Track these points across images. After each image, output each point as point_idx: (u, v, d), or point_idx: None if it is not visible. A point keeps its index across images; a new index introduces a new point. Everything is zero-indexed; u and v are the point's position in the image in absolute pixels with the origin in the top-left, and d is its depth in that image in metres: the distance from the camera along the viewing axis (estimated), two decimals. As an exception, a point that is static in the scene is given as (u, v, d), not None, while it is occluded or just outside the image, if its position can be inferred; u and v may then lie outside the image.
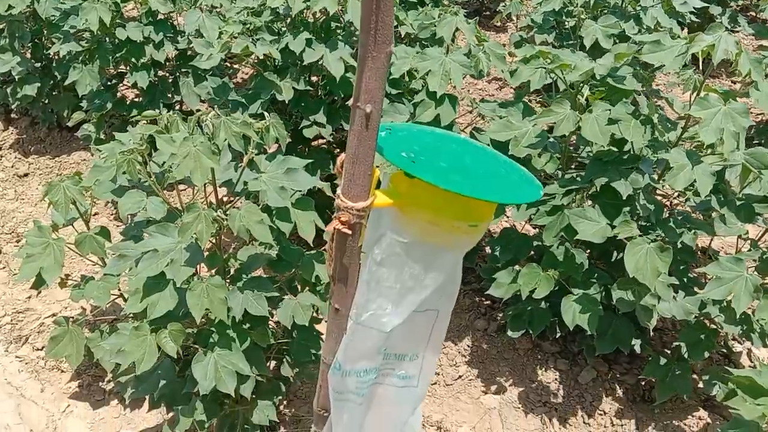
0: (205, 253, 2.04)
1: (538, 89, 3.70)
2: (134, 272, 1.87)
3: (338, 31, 2.80)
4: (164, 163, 2.00)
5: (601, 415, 2.55)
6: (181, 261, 1.82)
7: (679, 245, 2.21)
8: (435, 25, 2.57)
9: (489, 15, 5.60)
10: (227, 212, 1.82)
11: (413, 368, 0.99)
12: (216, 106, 2.66)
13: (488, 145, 2.47)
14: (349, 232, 0.80)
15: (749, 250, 2.18)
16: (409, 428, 1.03)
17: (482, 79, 4.70)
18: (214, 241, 2.07)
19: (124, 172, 1.89)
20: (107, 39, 3.22)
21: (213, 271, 2.09)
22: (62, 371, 2.70)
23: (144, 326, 1.90)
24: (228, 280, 2.07)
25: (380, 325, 0.88)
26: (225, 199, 2.12)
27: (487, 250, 3.00)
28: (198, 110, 3.22)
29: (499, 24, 5.46)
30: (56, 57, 3.52)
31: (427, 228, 0.84)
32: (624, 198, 2.06)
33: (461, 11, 2.77)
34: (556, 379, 2.67)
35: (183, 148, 1.74)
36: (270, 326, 2.23)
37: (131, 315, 2.15)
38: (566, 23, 3.59)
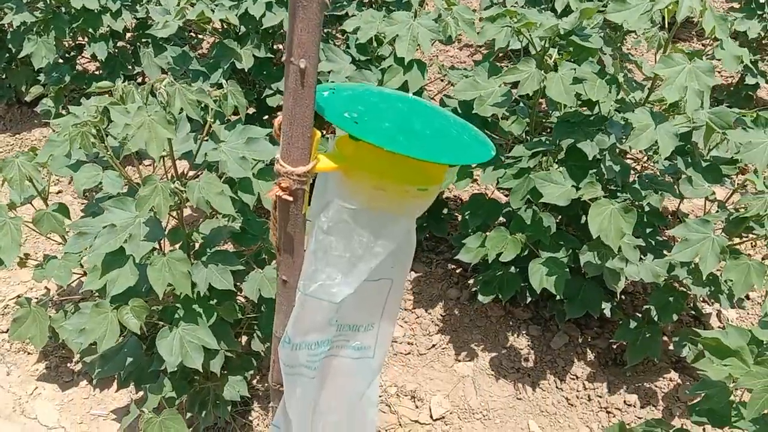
0: (169, 228, 1.99)
1: (510, 56, 3.65)
2: (92, 248, 1.81)
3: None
4: (121, 135, 1.93)
5: (573, 379, 2.57)
6: (140, 236, 1.76)
7: (647, 207, 2.20)
8: (401, -12, 2.50)
9: (460, -20, 5.49)
10: (186, 184, 1.77)
11: (368, 339, 0.96)
12: (172, 74, 2.58)
13: (456, 108, 2.45)
14: (291, 198, 0.75)
15: (717, 211, 2.18)
16: (366, 400, 1.01)
17: (453, 46, 4.63)
18: (176, 215, 2.01)
19: (79, 147, 1.82)
20: (62, 9, 3.09)
21: (177, 246, 2.04)
22: (29, 353, 2.64)
23: (105, 303, 1.85)
24: (192, 255, 2.02)
25: (330, 295, 0.85)
26: (188, 172, 2.06)
27: (460, 219, 2.97)
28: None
29: (470, -11, 5.36)
30: (10, 28, 3.38)
31: (375, 193, 0.80)
32: (590, 159, 2.03)
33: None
34: (528, 345, 2.67)
35: (137, 118, 1.67)
36: (239, 301, 2.20)
37: (96, 293, 2.10)
38: (536, -14, 3.52)
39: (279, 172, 0.74)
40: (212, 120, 1.83)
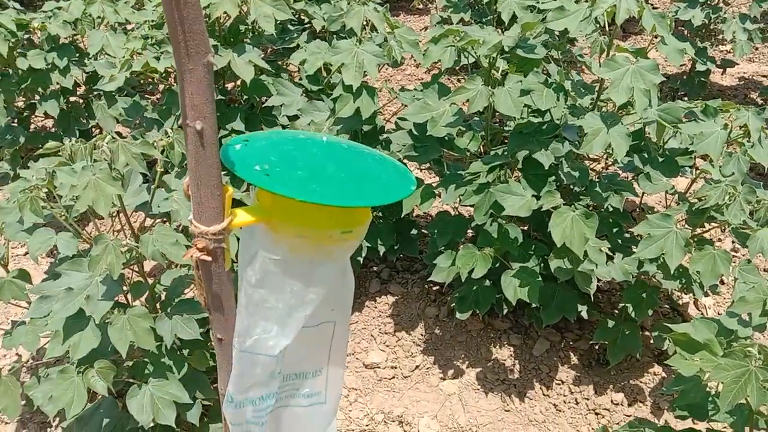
0: (132, 282, 1.97)
1: (466, 69, 3.68)
2: (52, 314, 1.78)
3: (247, 33, 2.72)
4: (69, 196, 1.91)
5: (559, 384, 2.56)
6: (97, 296, 1.74)
7: (610, 208, 2.21)
8: (344, 17, 2.51)
9: (410, -2, 5.55)
10: (139, 238, 1.75)
11: (318, 385, 0.94)
12: (126, 125, 2.56)
13: (411, 129, 2.45)
14: (209, 258, 0.74)
15: (678, 203, 2.19)
16: (324, 447, 0.99)
17: (409, 64, 4.65)
18: (137, 269, 1.99)
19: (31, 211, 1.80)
20: (9, 70, 3.06)
21: (143, 299, 2.01)
22: (6, 423, 2.58)
23: (70, 368, 1.82)
24: (159, 307, 2.00)
25: (267, 349, 0.83)
26: (144, 222, 2.04)
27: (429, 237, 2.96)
28: (118, 132, 3.10)
29: (421, 6, 5.41)
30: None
31: (298, 242, 0.78)
32: (547, 168, 2.04)
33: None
34: (510, 355, 2.66)
35: (83, 178, 1.65)
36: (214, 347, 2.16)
37: (68, 355, 2.06)
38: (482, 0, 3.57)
39: (194, 233, 0.72)
40: (161, 170, 1.82)
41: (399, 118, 2.54)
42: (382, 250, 2.79)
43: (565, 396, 2.52)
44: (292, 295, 0.82)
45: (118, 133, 2.95)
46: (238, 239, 0.90)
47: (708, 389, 1.63)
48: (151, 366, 1.90)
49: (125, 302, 2.01)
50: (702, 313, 2.80)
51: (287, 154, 0.78)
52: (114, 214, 2.02)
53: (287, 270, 0.81)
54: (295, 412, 0.94)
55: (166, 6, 0.59)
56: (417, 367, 2.68)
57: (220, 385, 0.89)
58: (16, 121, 3.29)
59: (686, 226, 2.16)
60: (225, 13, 2.45)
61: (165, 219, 2.07)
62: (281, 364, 0.87)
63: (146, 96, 3.77)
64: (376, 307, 2.93)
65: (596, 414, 2.46)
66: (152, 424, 1.90)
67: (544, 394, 2.54)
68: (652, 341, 2.58)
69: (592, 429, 2.42)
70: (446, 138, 2.30)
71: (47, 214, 1.89)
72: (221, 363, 0.87)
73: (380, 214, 2.83)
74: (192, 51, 0.60)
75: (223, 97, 2.65)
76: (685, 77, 3.97)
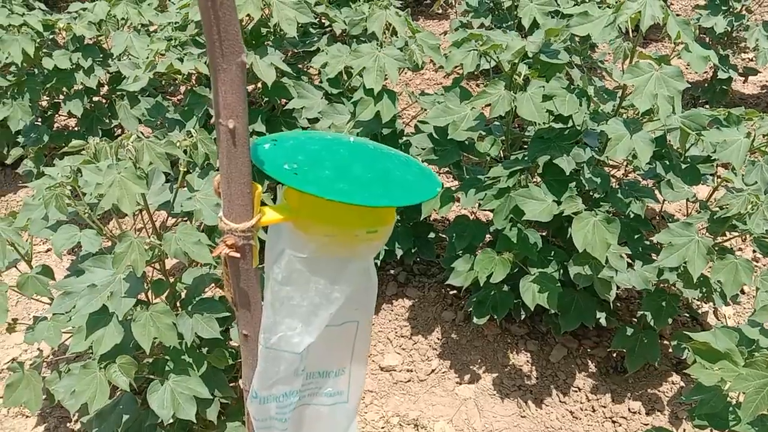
0: (153, 280, 1.99)
1: (486, 73, 3.68)
2: (75, 310, 1.80)
3: (269, 35, 2.74)
4: (94, 193, 1.94)
5: (576, 391, 2.54)
6: (121, 292, 1.76)
7: (631, 215, 2.20)
8: (365, 21, 2.52)
9: (430, 3, 5.56)
10: (162, 237, 1.77)
11: (341, 384, 0.95)
12: (148, 125, 2.59)
13: (432, 132, 2.46)
14: (238, 255, 0.75)
15: (699, 212, 2.18)
16: (345, 445, 1.00)
17: (428, 68, 4.66)
18: (158, 267, 2.01)
19: (56, 208, 1.82)
20: (35, 70, 3.12)
21: (164, 297, 2.04)
22: (27, 416, 2.62)
23: (93, 364, 1.84)
24: (180, 305, 2.02)
25: (291, 346, 0.84)
26: (167, 221, 2.06)
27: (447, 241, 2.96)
28: (140, 132, 3.13)
29: (440, 11, 5.42)
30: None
31: (325, 240, 0.79)
32: (568, 174, 2.03)
33: (395, 3, 2.73)
34: (527, 361, 2.65)
35: (108, 177, 1.68)
36: (232, 346, 2.18)
37: (90, 350, 2.09)
38: (503, 4, 3.57)
39: (223, 229, 0.74)
40: (184, 169, 1.84)
41: (419, 122, 2.54)
42: (399, 253, 2.79)
43: (582, 403, 2.51)
44: (317, 293, 0.83)
45: (141, 133, 3.00)
46: (261, 240, 0.91)
47: (729, 399, 1.61)
48: (171, 363, 1.92)
49: (146, 300, 2.03)
50: (722, 323, 2.77)
51: (315, 153, 0.79)
52: (136, 213, 2.05)
53: (313, 268, 0.82)
54: (318, 411, 0.95)
55: (202, 7, 0.61)
56: (433, 371, 2.68)
57: (245, 380, 0.90)
58: (40, 120, 3.34)
59: (707, 234, 2.15)
60: (248, 15, 2.47)
61: (185, 218, 2.09)
62: (305, 361, 0.88)
63: (167, 97, 3.81)
64: (392, 310, 2.93)
65: (613, 422, 2.45)
66: (171, 420, 1.92)
67: (560, 401, 2.52)
68: (670, 350, 2.56)
69: (609, 437, 2.41)
70: (466, 142, 2.30)
71: (71, 211, 1.92)
72: (246, 359, 0.88)
73: (398, 216, 2.84)
74: (227, 51, 0.61)
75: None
76: (706, 85, 3.94)
